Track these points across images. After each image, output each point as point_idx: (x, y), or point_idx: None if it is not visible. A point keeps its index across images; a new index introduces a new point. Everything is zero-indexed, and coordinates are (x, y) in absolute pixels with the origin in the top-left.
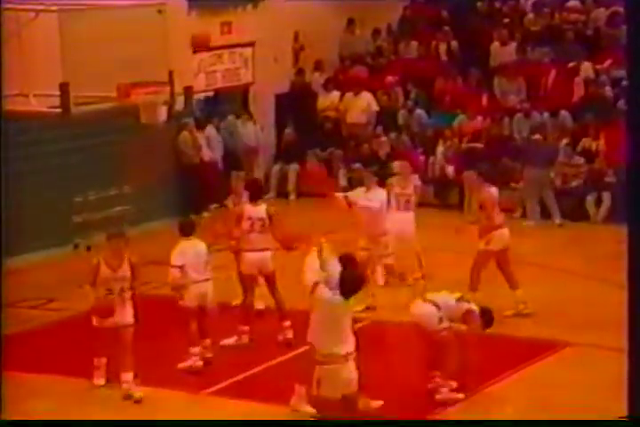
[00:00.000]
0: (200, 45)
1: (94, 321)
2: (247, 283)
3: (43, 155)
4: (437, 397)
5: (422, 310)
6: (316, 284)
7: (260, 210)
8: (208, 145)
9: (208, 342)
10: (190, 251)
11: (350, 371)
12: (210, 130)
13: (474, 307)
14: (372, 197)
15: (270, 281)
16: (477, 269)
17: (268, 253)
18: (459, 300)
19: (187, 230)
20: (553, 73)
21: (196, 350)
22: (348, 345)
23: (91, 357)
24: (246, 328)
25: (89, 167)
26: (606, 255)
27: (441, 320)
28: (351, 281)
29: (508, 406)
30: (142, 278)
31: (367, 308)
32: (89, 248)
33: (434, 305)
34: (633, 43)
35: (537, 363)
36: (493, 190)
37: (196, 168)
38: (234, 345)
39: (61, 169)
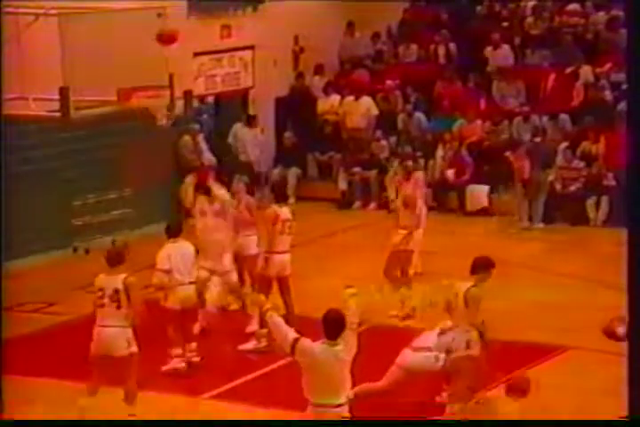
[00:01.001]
0: (166, 41)
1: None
2: (265, 285)
3: (42, 158)
4: (437, 399)
5: (415, 359)
6: (296, 339)
7: (288, 211)
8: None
9: (194, 345)
10: (177, 253)
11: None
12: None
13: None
14: None
15: (285, 285)
16: (393, 269)
17: (288, 256)
18: (440, 334)
19: (173, 232)
20: (552, 77)
21: (178, 351)
22: (344, 394)
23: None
24: (264, 331)
25: (89, 171)
26: (606, 259)
27: (437, 359)
28: (333, 320)
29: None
30: (143, 282)
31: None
32: (88, 251)
33: (425, 350)
34: (633, 46)
35: (536, 367)
36: (417, 191)
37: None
38: (253, 349)
39: (61, 172)
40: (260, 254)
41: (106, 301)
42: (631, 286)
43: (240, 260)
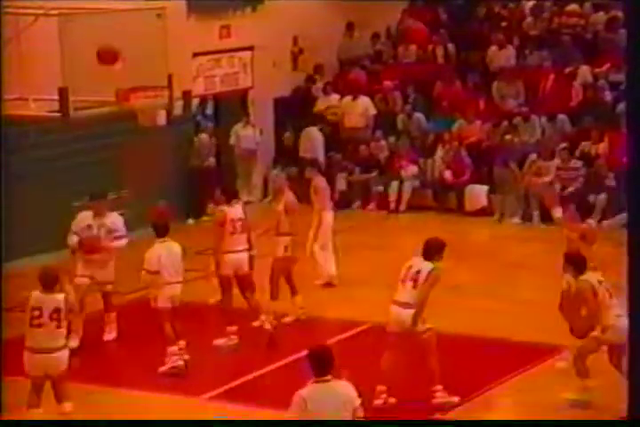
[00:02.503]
0: (106, 60)
1: None
2: (225, 284)
3: (41, 159)
4: (434, 401)
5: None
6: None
7: (239, 210)
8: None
9: (182, 343)
10: (164, 253)
11: None
12: (203, 136)
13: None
14: None
15: (246, 282)
16: (277, 278)
17: (245, 255)
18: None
19: (161, 232)
20: (551, 77)
21: (174, 349)
22: None
23: (89, 360)
24: (234, 328)
25: (87, 171)
26: (605, 259)
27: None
28: (320, 356)
29: (507, 410)
30: (142, 284)
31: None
32: None
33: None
34: (632, 47)
35: (535, 367)
36: (291, 197)
37: (202, 172)
38: (224, 346)
39: (60, 173)
40: (214, 255)
41: (44, 320)
42: (631, 287)
43: None
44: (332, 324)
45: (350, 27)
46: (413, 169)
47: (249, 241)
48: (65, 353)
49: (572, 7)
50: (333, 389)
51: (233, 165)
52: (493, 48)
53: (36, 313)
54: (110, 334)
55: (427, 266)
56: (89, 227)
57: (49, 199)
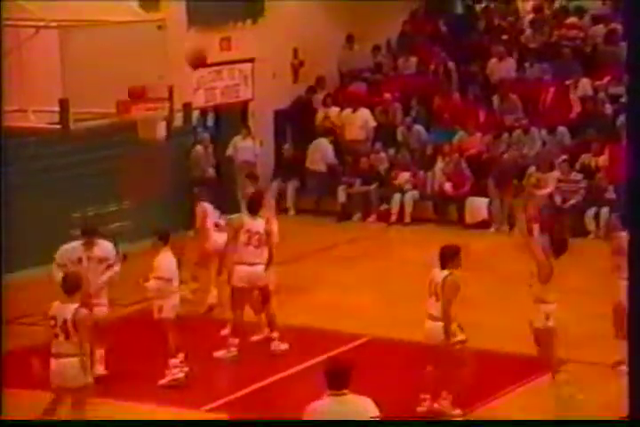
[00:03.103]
0: (196, 63)
1: None
2: (237, 296)
3: (42, 170)
4: (435, 406)
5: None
6: None
7: (259, 223)
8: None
9: (182, 355)
10: (174, 260)
11: None
12: (199, 147)
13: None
14: None
15: (262, 295)
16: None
17: (260, 268)
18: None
19: (167, 239)
20: (551, 90)
21: (176, 361)
22: None
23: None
24: (235, 341)
25: (88, 183)
26: (606, 271)
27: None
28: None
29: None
30: (144, 294)
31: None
32: None
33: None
34: (632, 58)
35: (537, 380)
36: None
37: (202, 183)
38: (223, 357)
39: (60, 185)
40: (226, 265)
41: (57, 330)
42: (631, 287)
43: None
44: (332, 336)
45: (350, 39)
46: (405, 176)
47: (269, 255)
48: (75, 363)
49: (572, 20)
50: (349, 403)
51: (233, 176)
52: (493, 60)
53: (52, 323)
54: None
55: (441, 275)
56: (79, 260)
57: (49, 211)
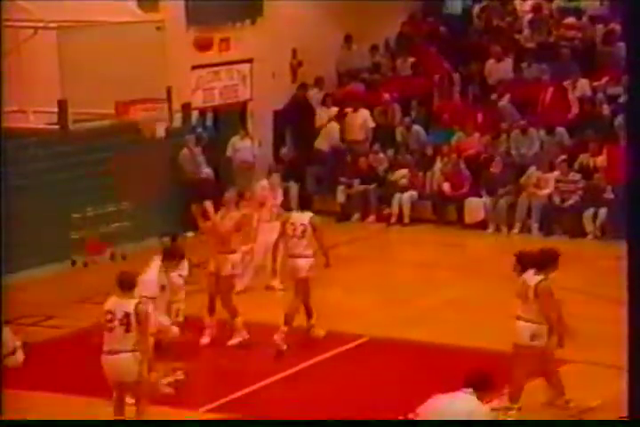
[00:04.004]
0: (203, 47)
1: None
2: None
3: (41, 171)
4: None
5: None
6: None
7: (305, 217)
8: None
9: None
10: (154, 280)
11: None
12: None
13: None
14: None
15: (300, 287)
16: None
17: (302, 260)
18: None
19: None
20: (550, 90)
21: (179, 364)
22: None
23: (87, 373)
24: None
25: (87, 184)
26: (604, 272)
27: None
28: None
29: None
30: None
31: None
32: (86, 264)
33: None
34: (632, 58)
35: (537, 380)
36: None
37: (195, 184)
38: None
39: (60, 185)
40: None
41: (115, 324)
42: (631, 288)
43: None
44: (332, 336)
45: (349, 39)
46: (402, 172)
47: (317, 248)
48: (134, 358)
49: (570, 20)
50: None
51: (232, 176)
52: (491, 61)
53: (109, 317)
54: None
55: (534, 280)
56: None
57: (48, 212)
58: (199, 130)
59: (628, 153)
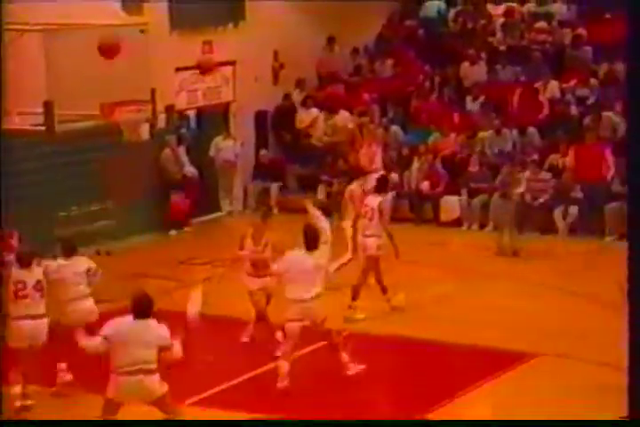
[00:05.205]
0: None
1: None
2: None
3: (27, 171)
4: None
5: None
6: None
7: (373, 200)
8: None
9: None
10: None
11: None
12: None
13: None
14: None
15: (368, 264)
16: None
17: (370, 240)
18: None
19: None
20: (522, 92)
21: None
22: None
23: (72, 365)
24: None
25: (73, 183)
26: (574, 267)
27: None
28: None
29: (481, 414)
30: (127, 291)
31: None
32: None
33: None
34: (632, 59)
35: (509, 372)
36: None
37: (177, 184)
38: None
39: (46, 185)
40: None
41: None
42: (631, 287)
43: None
44: (311, 332)
45: (331, 41)
46: (377, 167)
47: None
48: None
49: (540, 24)
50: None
51: (215, 175)
52: (466, 64)
53: (20, 286)
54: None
55: (375, 201)
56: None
57: (34, 210)
58: (183, 130)
59: (628, 153)
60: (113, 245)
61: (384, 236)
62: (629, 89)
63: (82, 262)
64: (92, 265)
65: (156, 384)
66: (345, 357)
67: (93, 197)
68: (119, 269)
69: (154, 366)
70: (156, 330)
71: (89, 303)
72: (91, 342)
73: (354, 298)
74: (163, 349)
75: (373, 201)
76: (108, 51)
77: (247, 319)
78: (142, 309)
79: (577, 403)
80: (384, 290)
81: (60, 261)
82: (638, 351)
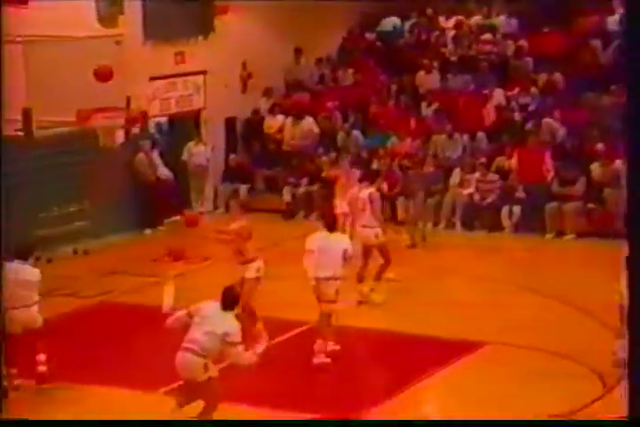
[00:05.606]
0: (103, 77)
1: None
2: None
3: (8, 175)
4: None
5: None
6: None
7: (365, 193)
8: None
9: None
10: None
11: None
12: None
13: None
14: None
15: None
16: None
17: (366, 230)
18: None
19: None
20: (471, 99)
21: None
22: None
23: (51, 357)
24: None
25: (52, 186)
26: (519, 262)
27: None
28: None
29: (434, 403)
30: (104, 287)
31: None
32: (50, 260)
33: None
34: (633, 61)
35: (461, 360)
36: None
37: (151, 186)
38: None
39: (27, 188)
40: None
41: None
42: (632, 287)
43: None
44: (277, 323)
45: (299, 52)
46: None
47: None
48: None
49: (486, 36)
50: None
51: (188, 178)
52: (421, 72)
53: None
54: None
55: (366, 193)
56: None
57: (16, 212)
58: (156, 136)
59: (629, 153)
60: (90, 244)
61: (378, 225)
62: (630, 89)
63: (32, 271)
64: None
65: (200, 368)
66: (319, 344)
67: (72, 198)
68: (96, 267)
69: (206, 352)
70: (228, 325)
71: (33, 310)
72: (177, 314)
73: (359, 281)
74: (225, 344)
75: (364, 193)
76: (103, 75)
77: None
78: (227, 301)
79: (522, 386)
80: (378, 278)
81: (17, 264)
82: (638, 351)
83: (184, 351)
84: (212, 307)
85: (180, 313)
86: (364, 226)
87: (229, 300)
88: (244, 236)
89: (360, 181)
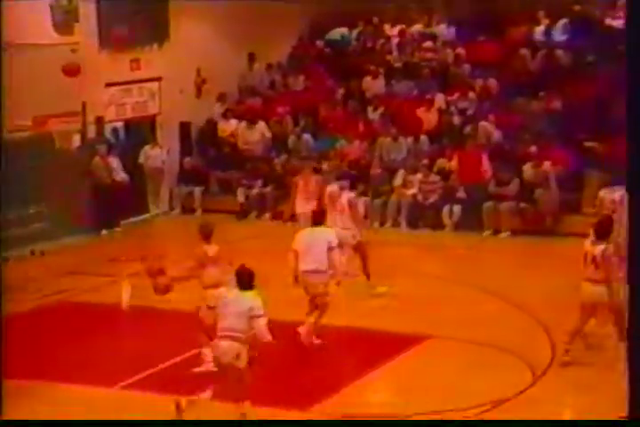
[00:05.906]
0: (70, 73)
1: None
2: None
3: None
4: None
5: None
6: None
7: (346, 196)
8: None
9: None
10: None
11: None
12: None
13: None
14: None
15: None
16: None
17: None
18: None
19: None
20: (414, 103)
21: None
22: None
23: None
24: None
25: (9, 189)
26: (460, 259)
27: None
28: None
29: (380, 396)
30: (61, 287)
31: None
32: (7, 260)
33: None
34: (633, 62)
35: (404, 353)
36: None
37: (107, 188)
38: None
39: None
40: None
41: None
42: (632, 287)
43: None
44: None
45: (252, 57)
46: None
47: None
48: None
49: (427, 44)
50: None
51: (144, 181)
52: (368, 78)
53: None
54: None
55: (599, 247)
56: None
57: None
58: (112, 140)
59: (629, 153)
60: (47, 245)
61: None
62: (629, 89)
63: None
64: None
65: (241, 353)
66: (302, 329)
67: (29, 201)
68: (53, 267)
69: (242, 334)
70: (251, 300)
71: None
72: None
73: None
74: (251, 319)
75: (344, 197)
76: (70, 71)
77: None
78: (243, 282)
79: (463, 377)
80: (367, 275)
81: None
82: (638, 351)
83: (222, 340)
84: (230, 292)
85: (203, 309)
86: (342, 228)
87: (245, 280)
88: (224, 258)
89: (340, 184)
